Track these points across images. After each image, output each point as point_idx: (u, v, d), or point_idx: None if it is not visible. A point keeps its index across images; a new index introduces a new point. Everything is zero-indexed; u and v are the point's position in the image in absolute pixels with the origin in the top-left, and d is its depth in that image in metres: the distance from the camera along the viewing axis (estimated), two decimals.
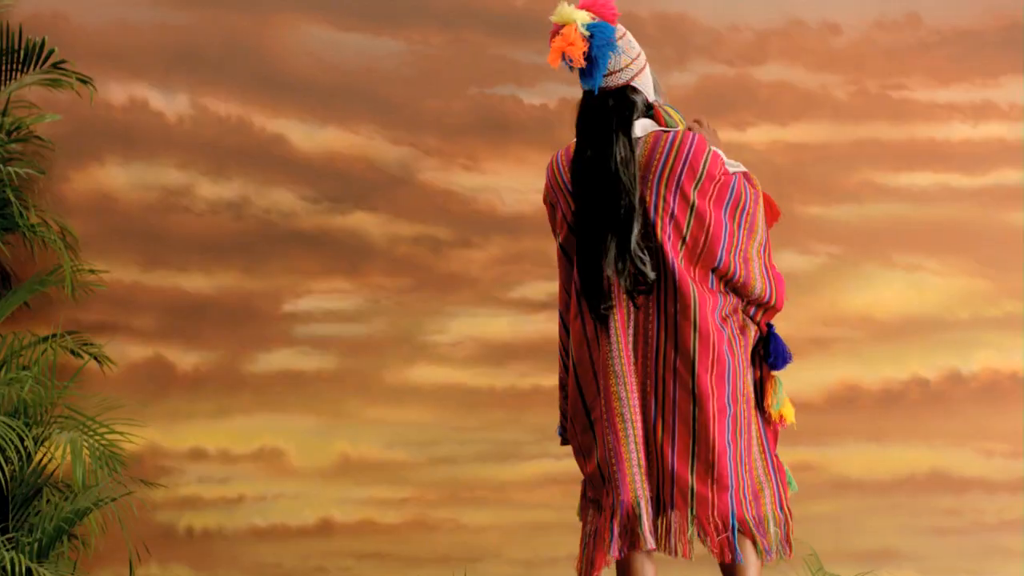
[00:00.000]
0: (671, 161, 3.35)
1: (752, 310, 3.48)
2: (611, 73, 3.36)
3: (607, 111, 3.36)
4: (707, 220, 3.37)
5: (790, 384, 3.61)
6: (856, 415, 4.95)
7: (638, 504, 3.36)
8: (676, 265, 3.35)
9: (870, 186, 4.98)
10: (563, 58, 3.30)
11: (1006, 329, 4.94)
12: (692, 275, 3.38)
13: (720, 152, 3.43)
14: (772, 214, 3.56)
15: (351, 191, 4.95)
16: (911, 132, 4.97)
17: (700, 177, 3.35)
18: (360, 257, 4.96)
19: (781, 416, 3.53)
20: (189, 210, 4.97)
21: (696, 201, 3.36)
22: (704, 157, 3.35)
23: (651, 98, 3.45)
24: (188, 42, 4.95)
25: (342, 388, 4.95)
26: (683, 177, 3.34)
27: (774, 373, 3.55)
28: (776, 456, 3.55)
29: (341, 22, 4.95)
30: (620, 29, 3.38)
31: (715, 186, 3.38)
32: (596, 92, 3.36)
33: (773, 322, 3.56)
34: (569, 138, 3.48)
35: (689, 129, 3.45)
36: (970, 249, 4.96)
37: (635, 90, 3.40)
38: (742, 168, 3.51)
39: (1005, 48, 4.97)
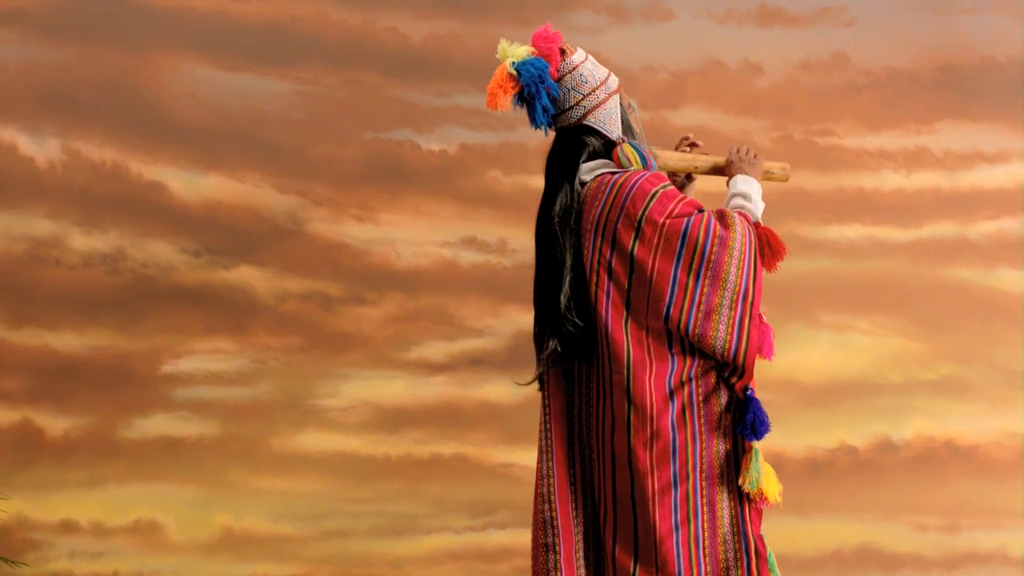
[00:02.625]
0: (608, 208, 3.12)
1: (727, 373, 3.18)
2: (561, 112, 3.18)
3: (555, 156, 3.22)
4: (649, 274, 3.09)
5: None
6: None
7: None
8: (611, 326, 3.10)
9: (795, 239, 4.78)
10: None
11: (941, 394, 4.86)
12: (642, 336, 3.10)
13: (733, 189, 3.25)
14: (771, 253, 3.22)
15: (235, 243, 4.82)
16: (839, 181, 4.88)
17: (639, 224, 3.09)
18: (245, 314, 4.83)
19: (762, 493, 3.23)
20: (60, 263, 4.82)
21: (636, 253, 3.10)
22: (646, 201, 3.09)
23: (614, 135, 3.21)
24: (60, 82, 4.83)
25: (225, 456, 4.81)
26: (619, 226, 3.10)
27: (754, 444, 3.24)
28: (760, 538, 3.24)
29: (224, 61, 4.85)
30: (572, 61, 3.17)
31: (660, 233, 3.09)
32: (546, 133, 3.21)
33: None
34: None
35: (647, 167, 3.19)
36: (902, 308, 4.85)
37: (590, 129, 3.19)
38: (743, 204, 3.26)
39: (940, 91, 4.89)
